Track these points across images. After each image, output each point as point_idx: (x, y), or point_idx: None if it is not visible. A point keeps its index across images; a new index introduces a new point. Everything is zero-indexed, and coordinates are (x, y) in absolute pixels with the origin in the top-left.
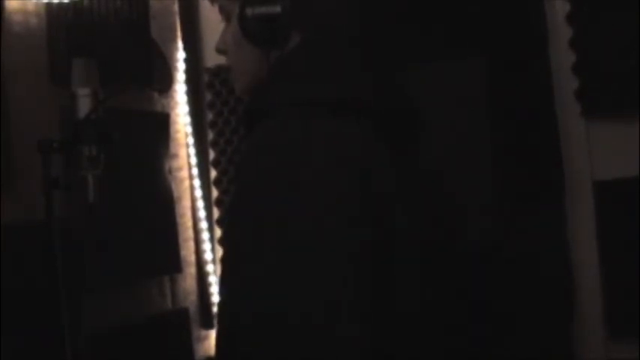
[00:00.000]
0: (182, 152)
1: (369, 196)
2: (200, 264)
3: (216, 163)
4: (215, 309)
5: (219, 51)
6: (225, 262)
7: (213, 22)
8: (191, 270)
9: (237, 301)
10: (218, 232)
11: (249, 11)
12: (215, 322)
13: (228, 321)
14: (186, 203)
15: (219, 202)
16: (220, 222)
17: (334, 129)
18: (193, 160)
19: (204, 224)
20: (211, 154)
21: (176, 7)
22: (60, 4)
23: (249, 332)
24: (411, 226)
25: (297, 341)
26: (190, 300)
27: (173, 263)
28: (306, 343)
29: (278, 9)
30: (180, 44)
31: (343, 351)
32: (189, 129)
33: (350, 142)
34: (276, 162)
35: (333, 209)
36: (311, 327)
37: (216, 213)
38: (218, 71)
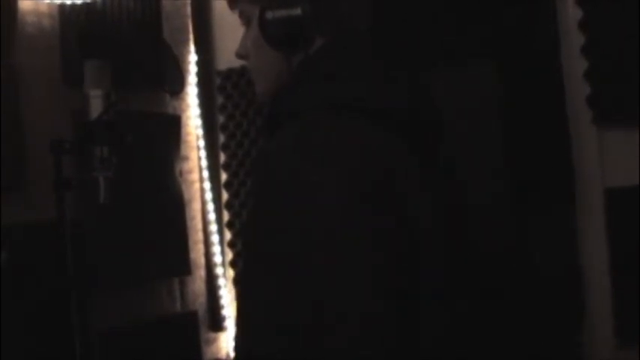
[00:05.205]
0: (193, 155)
1: (394, 199)
2: (209, 266)
3: (226, 166)
4: (224, 312)
5: (240, 56)
6: (245, 266)
7: (225, 25)
8: (200, 272)
9: (257, 308)
10: (228, 235)
11: (269, 15)
12: (224, 324)
13: (249, 328)
14: (196, 206)
15: (229, 205)
16: (230, 225)
17: (359, 132)
18: (204, 163)
19: (214, 227)
20: (222, 157)
21: (188, 9)
22: (73, 6)
23: (271, 340)
24: (434, 227)
25: (319, 347)
26: (199, 302)
27: (183, 265)
28: (326, 347)
29: (299, 12)
30: (192, 46)
31: (369, 355)
32: (200, 131)
33: (374, 144)
34: (301, 164)
35: (358, 212)
36: (329, 332)
37: (226, 216)
38: (230, 74)
